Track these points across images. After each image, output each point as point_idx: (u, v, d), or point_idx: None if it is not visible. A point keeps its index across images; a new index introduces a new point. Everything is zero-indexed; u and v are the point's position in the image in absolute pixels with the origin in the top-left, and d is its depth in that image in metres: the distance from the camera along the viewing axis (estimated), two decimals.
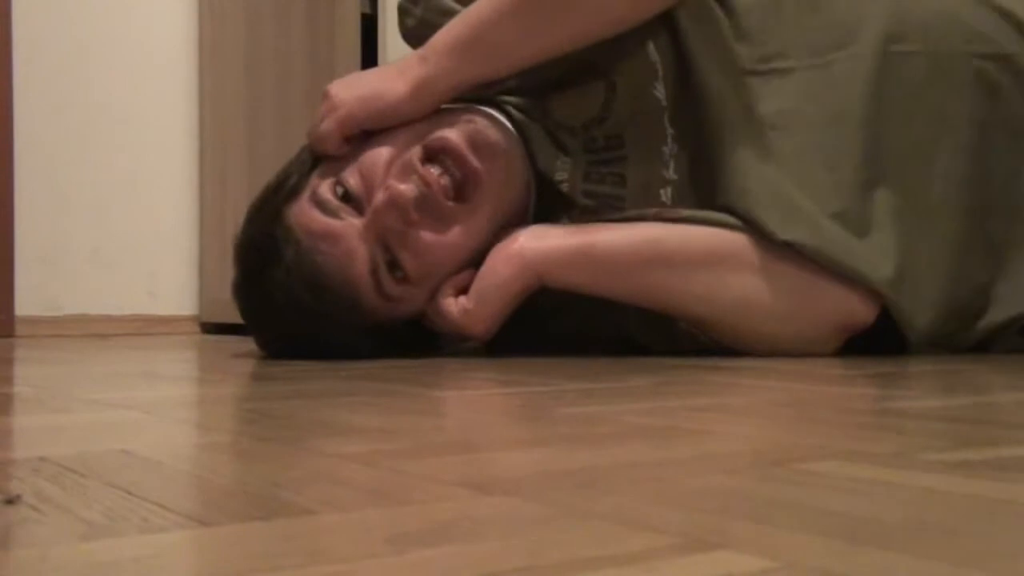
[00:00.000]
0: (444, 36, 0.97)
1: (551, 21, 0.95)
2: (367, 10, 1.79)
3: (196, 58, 2.38)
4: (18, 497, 0.31)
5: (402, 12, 1.09)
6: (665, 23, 0.99)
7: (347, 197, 0.96)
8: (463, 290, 1.00)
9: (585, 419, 0.52)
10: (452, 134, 0.96)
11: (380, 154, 0.97)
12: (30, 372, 1.00)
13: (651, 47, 0.99)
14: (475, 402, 0.65)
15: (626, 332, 1.04)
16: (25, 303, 2.20)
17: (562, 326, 1.08)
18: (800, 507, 0.29)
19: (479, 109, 1.02)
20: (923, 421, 0.49)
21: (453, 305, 0.99)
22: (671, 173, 1.00)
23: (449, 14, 1.01)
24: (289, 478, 0.35)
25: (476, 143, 0.97)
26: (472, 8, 0.96)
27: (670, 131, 1.00)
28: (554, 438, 0.45)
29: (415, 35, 1.07)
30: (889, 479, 0.34)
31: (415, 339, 1.02)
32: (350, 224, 0.95)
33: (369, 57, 1.76)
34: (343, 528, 0.27)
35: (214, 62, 2.32)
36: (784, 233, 0.92)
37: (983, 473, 0.35)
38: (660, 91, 0.99)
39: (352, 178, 0.96)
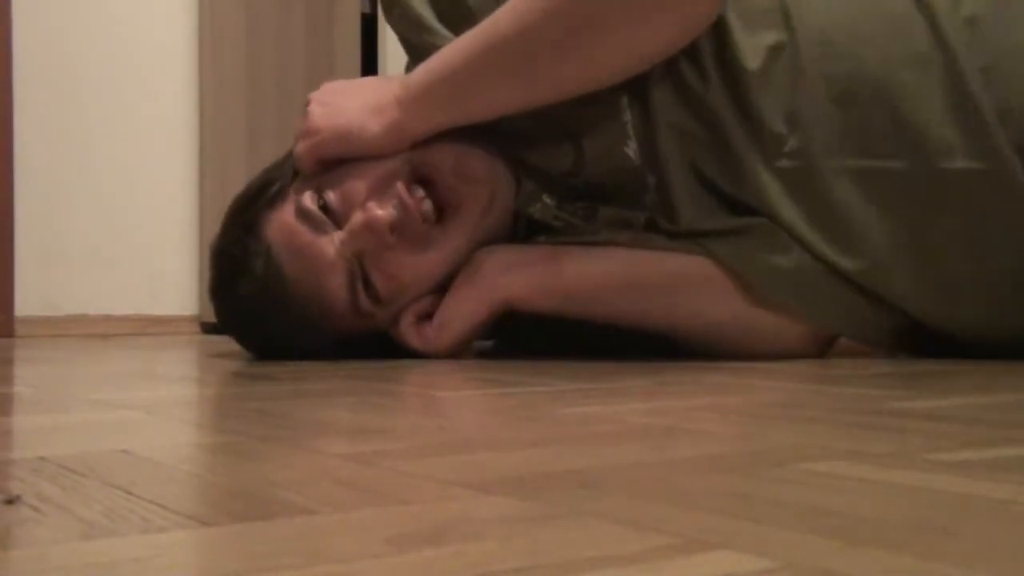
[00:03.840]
0: (420, 82, 0.94)
1: (523, 79, 0.91)
2: (367, 10, 1.79)
3: (196, 58, 2.38)
4: (18, 497, 0.31)
5: (384, 8, 1.06)
6: (637, 85, 0.94)
7: (326, 209, 0.95)
8: (425, 315, 1.00)
9: (585, 419, 0.51)
10: (438, 160, 0.96)
11: (363, 174, 0.96)
12: (30, 372, 1.00)
13: (624, 103, 0.94)
14: (475, 402, 0.65)
15: (612, 343, 1.04)
16: (25, 303, 2.20)
17: (549, 339, 1.08)
18: (800, 507, 0.29)
19: (471, 136, 1.00)
20: (923, 421, 0.49)
21: (414, 333, 0.99)
22: (649, 211, 0.98)
23: (423, 29, 0.98)
24: (289, 478, 0.35)
25: (462, 170, 0.97)
26: (447, 52, 0.93)
27: (651, 179, 0.96)
28: (554, 438, 0.45)
29: (397, 35, 1.06)
30: (889, 479, 0.34)
31: (383, 347, 1.02)
32: (330, 239, 0.94)
33: (369, 57, 1.76)
34: (343, 528, 0.27)
35: (214, 62, 2.32)
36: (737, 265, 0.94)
37: (983, 473, 0.35)
38: (632, 148, 0.95)
39: (332, 192, 0.96)
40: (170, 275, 2.37)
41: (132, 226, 2.32)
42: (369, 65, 1.85)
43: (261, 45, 2.14)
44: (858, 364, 0.90)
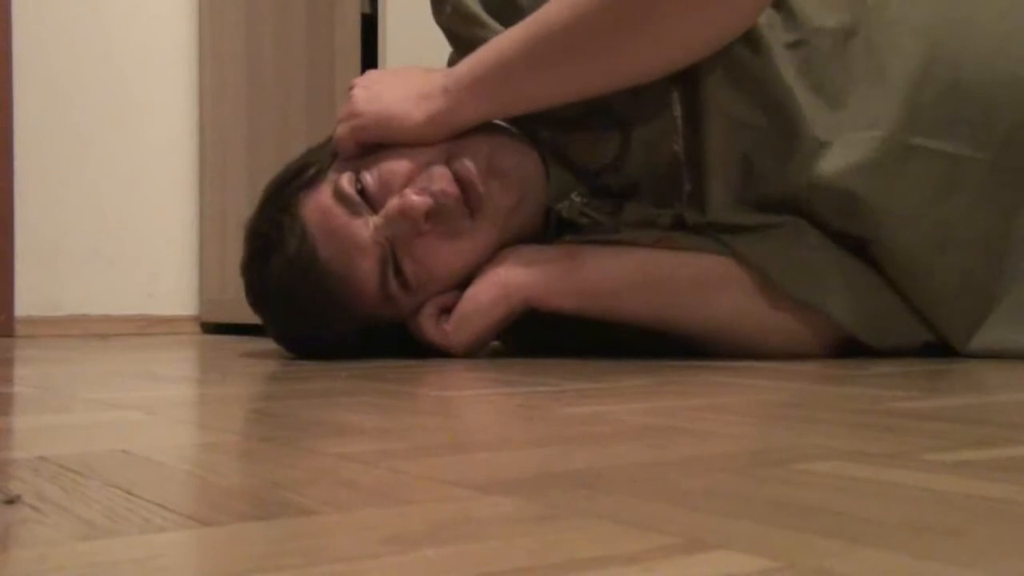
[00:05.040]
0: (468, 69, 0.94)
1: (574, 69, 0.91)
2: (367, 10, 1.79)
3: (196, 58, 2.38)
4: (18, 497, 0.31)
5: (434, 5, 1.06)
6: (688, 78, 0.94)
7: (363, 193, 0.96)
8: (447, 309, 1.00)
9: (585, 419, 0.51)
10: (470, 159, 0.96)
11: (402, 161, 0.96)
12: (30, 372, 1.00)
13: (675, 97, 0.94)
14: (475, 402, 0.65)
15: (625, 343, 1.04)
16: (25, 303, 2.20)
17: (559, 337, 1.08)
18: (800, 507, 0.29)
19: (508, 130, 1.00)
20: (923, 421, 0.49)
21: (433, 326, 1.00)
22: (677, 210, 0.98)
23: (475, 23, 0.99)
24: (289, 478, 0.35)
25: (494, 167, 0.96)
26: (497, 42, 0.93)
27: (687, 186, 0.96)
28: (554, 438, 0.45)
29: (446, 32, 1.06)
30: (889, 479, 0.34)
31: (402, 341, 1.02)
32: (365, 223, 0.95)
33: (369, 57, 1.76)
34: (343, 528, 0.27)
35: (214, 62, 2.32)
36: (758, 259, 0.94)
37: (983, 473, 0.35)
38: (679, 144, 0.95)
39: (370, 177, 0.96)
40: (170, 275, 2.37)
41: (132, 226, 2.32)
42: (369, 65, 1.85)
43: (261, 45, 2.14)
44: (858, 364, 0.90)
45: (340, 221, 0.95)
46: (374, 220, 0.95)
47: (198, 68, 2.38)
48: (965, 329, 0.95)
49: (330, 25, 1.85)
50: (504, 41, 0.92)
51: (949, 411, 0.53)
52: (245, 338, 1.69)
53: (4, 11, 2.15)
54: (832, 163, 0.92)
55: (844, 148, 0.92)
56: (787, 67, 0.92)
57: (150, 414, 0.56)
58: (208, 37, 2.34)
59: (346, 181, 0.96)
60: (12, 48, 2.17)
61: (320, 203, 0.96)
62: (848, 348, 0.98)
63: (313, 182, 0.98)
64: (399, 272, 0.96)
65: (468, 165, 0.95)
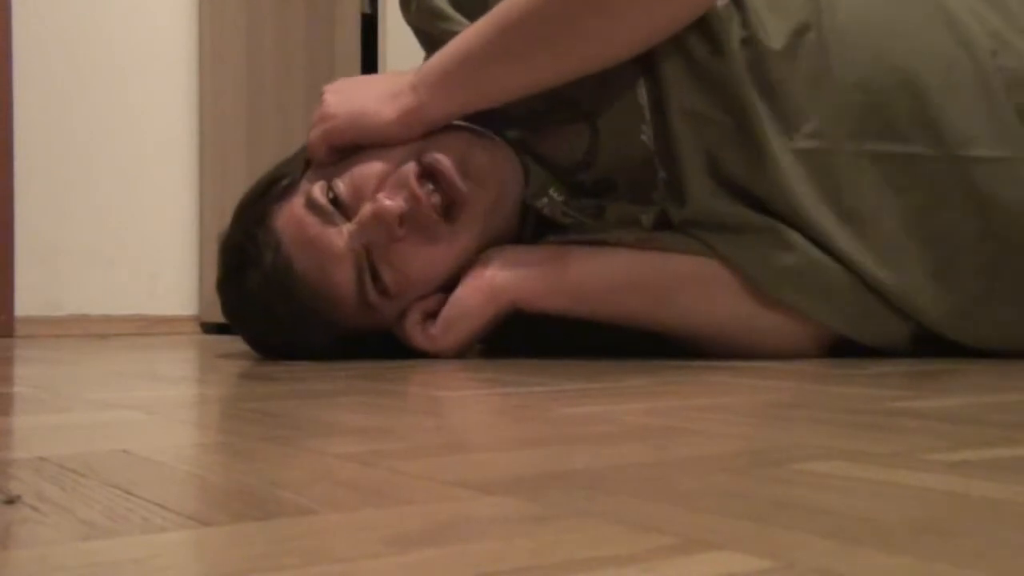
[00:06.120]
0: (435, 66, 0.94)
1: (542, 57, 0.91)
2: (367, 10, 1.79)
3: (196, 58, 2.38)
4: (18, 497, 0.31)
5: (402, 3, 1.07)
6: (653, 69, 0.94)
7: (336, 202, 0.95)
8: (431, 313, 1.00)
9: (585, 419, 0.51)
10: (444, 156, 0.95)
11: (373, 165, 0.96)
12: (30, 372, 1.00)
13: (640, 85, 0.95)
14: (474, 402, 0.65)
15: (615, 342, 1.04)
16: (25, 303, 2.20)
17: (552, 336, 1.08)
18: (800, 507, 0.29)
19: (479, 130, 1.00)
20: (923, 421, 0.49)
21: (419, 331, 0.99)
22: (657, 208, 0.98)
23: (440, 17, 0.99)
24: (289, 478, 0.35)
25: (468, 166, 0.96)
26: (463, 36, 0.93)
27: (661, 174, 0.96)
28: (554, 438, 0.45)
29: (414, 29, 1.07)
30: (889, 479, 0.34)
31: (387, 346, 1.02)
32: (339, 231, 0.94)
33: (369, 57, 1.76)
34: (343, 528, 0.27)
35: (214, 62, 2.32)
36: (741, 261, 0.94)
37: (983, 473, 0.35)
38: (647, 134, 0.95)
39: (343, 184, 0.95)
40: (170, 275, 2.37)
41: (132, 226, 2.32)
42: (369, 65, 1.85)
43: (261, 45, 2.14)
44: (858, 364, 0.90)
45: (314, 231, 0.94)
46: (348, 228, 0.94)
47: (198, 68, 2.38)
48: (952, 315, 0.95)
49: (330, 25, 1.85)
50: (470, 34, 0.93)
51: (949, 411, 0.53)
52: None
53: (4, 11, 2.15)
54: (779, 175, 0.92)
55: (794, 158, 0.93)
56: (741, 64, 0.93)
57: (150, 414, 0.56)
58: (208, 37, 2.34)
59: (318, 190, 0.96)
60: (12, 48, 2.17)
61: (293, 214, 0.96)
62: (844, 347, 0.98)
63: (286, 193, 0.98)
64: (377, 279, 0.95)
65: (443, 160, 0.95)
